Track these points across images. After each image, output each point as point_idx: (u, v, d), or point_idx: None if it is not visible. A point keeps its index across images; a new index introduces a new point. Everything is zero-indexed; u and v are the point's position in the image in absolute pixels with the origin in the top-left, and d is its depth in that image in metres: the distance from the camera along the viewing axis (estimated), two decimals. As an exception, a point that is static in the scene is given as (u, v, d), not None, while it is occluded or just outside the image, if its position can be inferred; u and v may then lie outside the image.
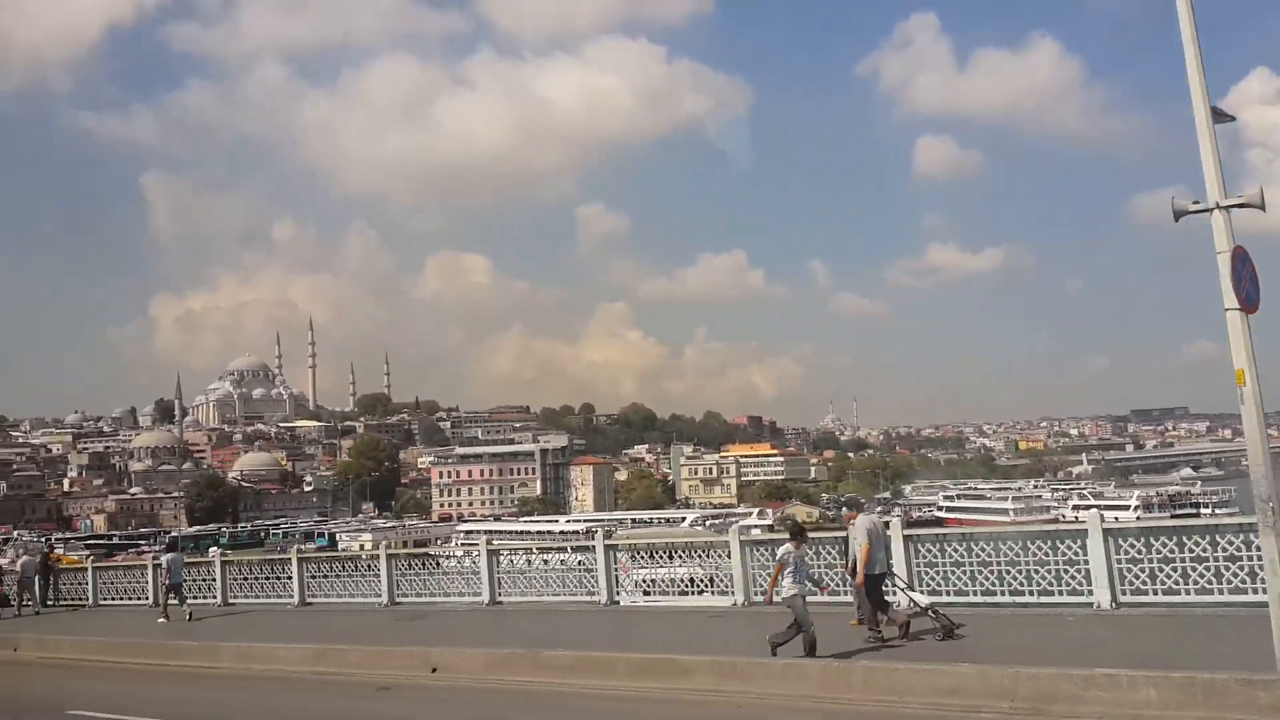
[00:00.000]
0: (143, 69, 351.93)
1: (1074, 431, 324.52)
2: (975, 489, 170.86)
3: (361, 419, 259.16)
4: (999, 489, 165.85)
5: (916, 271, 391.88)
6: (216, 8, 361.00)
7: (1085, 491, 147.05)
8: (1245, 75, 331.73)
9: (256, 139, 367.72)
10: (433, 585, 23.34)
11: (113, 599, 29.34)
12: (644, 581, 20.66)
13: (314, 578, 25.25)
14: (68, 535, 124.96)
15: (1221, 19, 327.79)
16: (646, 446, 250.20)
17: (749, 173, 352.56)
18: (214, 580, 26.72)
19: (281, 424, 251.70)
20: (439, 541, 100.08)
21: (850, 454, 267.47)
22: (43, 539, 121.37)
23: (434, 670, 15.38)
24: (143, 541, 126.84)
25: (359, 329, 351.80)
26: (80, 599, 30.14)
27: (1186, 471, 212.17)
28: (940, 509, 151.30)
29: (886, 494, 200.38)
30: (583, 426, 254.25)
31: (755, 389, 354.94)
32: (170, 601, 24.57)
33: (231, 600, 26.32)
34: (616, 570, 20.30)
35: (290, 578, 25.21)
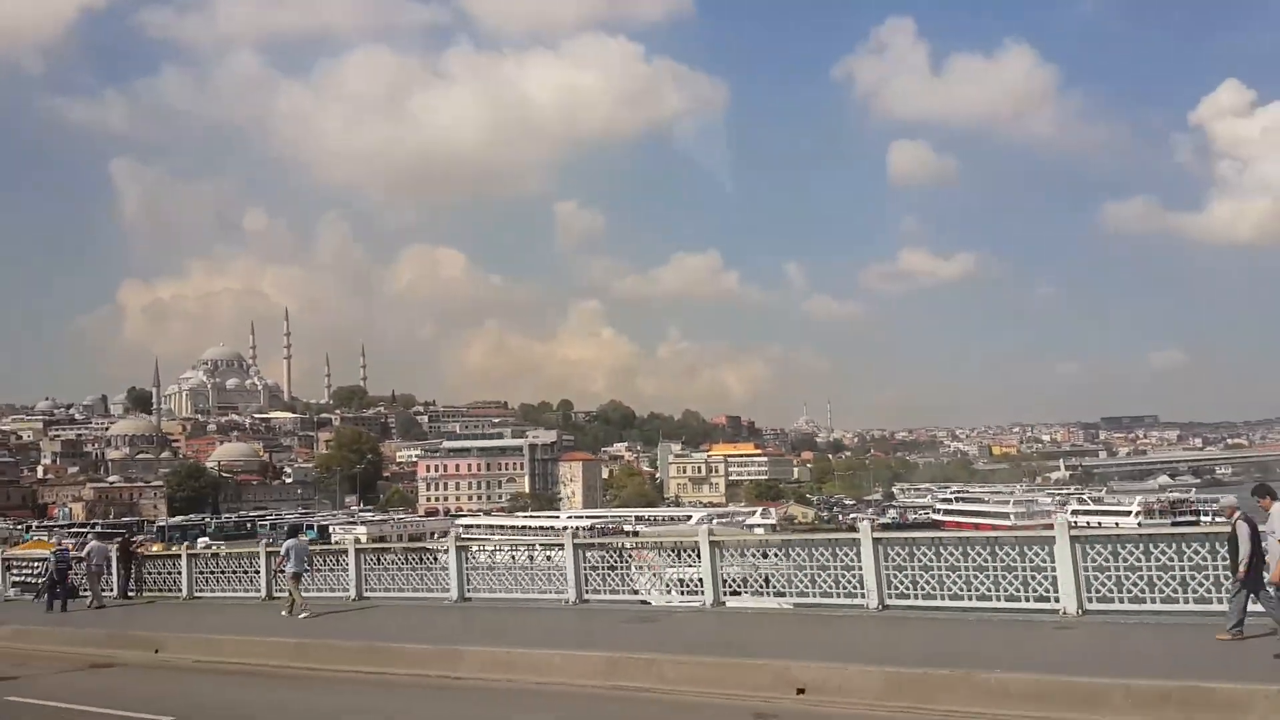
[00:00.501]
0: (116, 54, 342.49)
1: (1045, 437, 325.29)
2: (968, 492, 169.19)
3: (337, 411, 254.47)
4: (995, 492, 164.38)
5: (890, 276, 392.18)
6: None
7: (1085, 496, 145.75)
8: (1215, 87, 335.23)
9: (230, 128, 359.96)
10: (630, 581, 20.09)
11: (212, 590, 25.77)
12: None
13: (473, 569, 21.94)
14: (47, 523, 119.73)
15: (1192, 32, 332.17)
16: (626, 444, 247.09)
17: (725, 174, 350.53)
18: (345, 570, 23.30)
19: (256, 415, 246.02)
20: (434, 536, 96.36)
21: (829, 456, 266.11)
22: (20, 526, 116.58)
23: (800, 692, 11.76)
24: (126, 530, 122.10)
25: (333, 321, 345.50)
26: (169, 589, 26.53)
27: (1164, 479, 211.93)
28: (937, 511, 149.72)
29: (877, 495, 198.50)
30: (561, 423, 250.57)
31: (727, 389, 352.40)
32: (285, 591, 22.34)
33: (367, 593, 22.89)
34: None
35: (445, 568, 21.87)
